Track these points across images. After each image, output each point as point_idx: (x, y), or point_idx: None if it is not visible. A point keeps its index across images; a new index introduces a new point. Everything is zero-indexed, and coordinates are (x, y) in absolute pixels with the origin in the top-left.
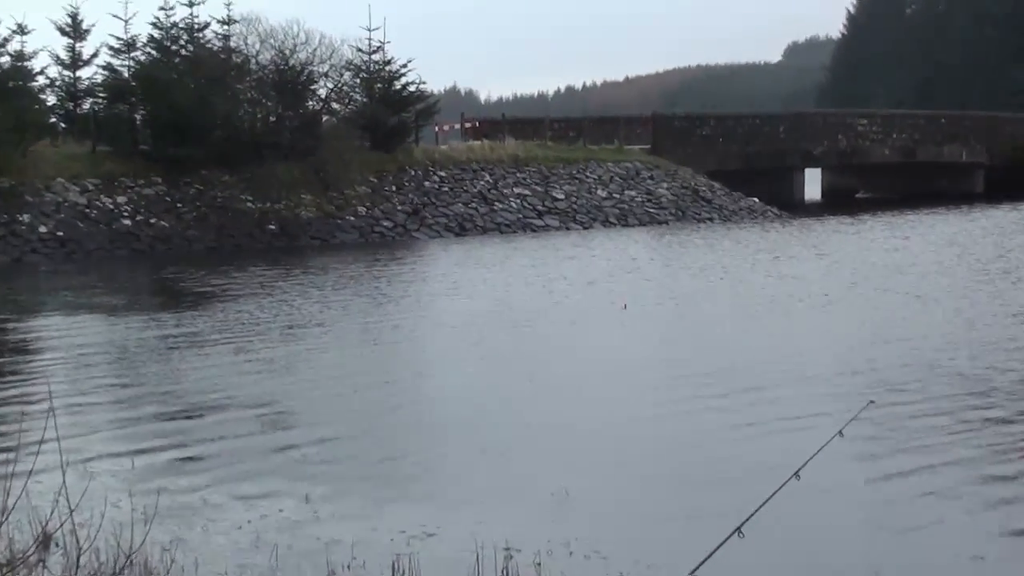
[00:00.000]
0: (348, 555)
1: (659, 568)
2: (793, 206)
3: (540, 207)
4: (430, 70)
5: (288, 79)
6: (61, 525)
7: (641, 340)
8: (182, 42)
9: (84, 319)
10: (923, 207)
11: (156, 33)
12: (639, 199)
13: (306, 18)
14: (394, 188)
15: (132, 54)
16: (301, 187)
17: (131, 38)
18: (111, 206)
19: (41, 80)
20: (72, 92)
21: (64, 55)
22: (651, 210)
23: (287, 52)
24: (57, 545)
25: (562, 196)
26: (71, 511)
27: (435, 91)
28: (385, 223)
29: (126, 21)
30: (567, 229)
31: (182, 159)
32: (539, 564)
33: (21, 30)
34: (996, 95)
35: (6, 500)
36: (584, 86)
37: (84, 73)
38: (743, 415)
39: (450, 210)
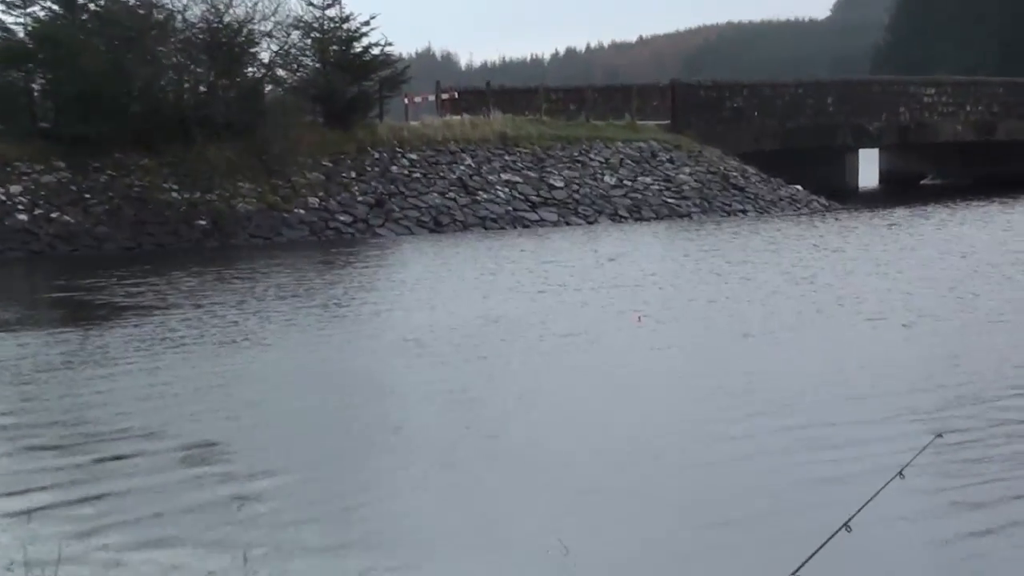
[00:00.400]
0: None
1: None
2: (844, 195)
3: (534, 197)
4: (398, 29)
5: (223, 40)
6: None
7: (659, 361)
8: None
9: None
10: (1008, 196)
11: None
12: (655, 187)
13: None
14: (353, 174)
15: (29, 9)
16: (239, 173)
17: None
18: (2, 197)
19: None
20: None
21: None
22: (670, 200)
23: (221, 7)
24: None
25: (561, 184)
26: None
27: (404, 55)
28: (342, 217)
29: None
30: (567, 224)
31: (91, 139)
32: None
33: None
34: None
35: None
36: (588, 48)
37: None
38: (781, 450)
39: (422, 201)
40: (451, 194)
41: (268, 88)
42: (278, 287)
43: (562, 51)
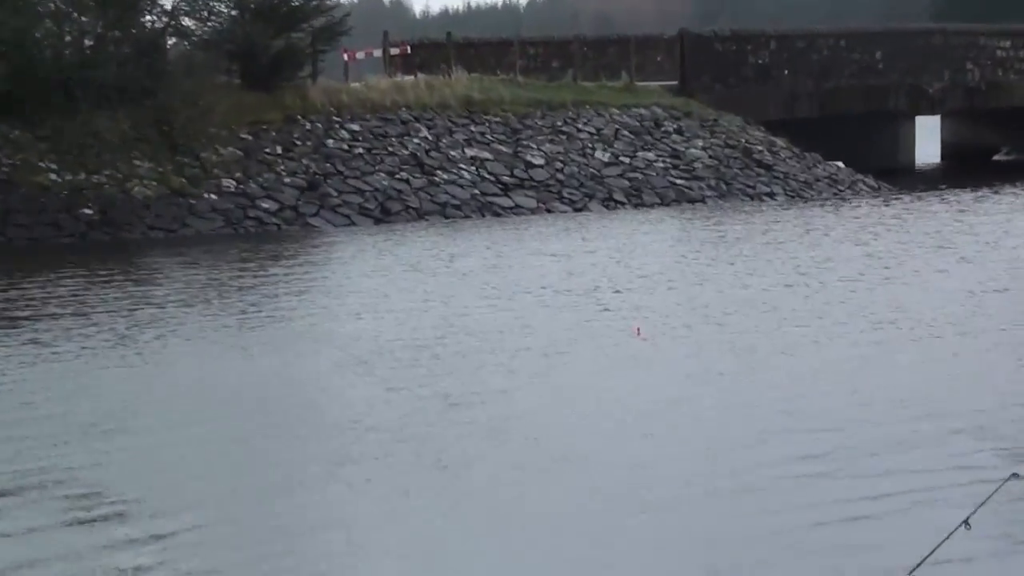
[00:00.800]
0: None
1: None
2: (898, 173)
3: (507, 178)
4: None
5: None
6: None
7: (665, 383)
8: None
9: None
10: None
11: None
12: (660, 165)
13: None
14: (279, 150)
15: None
16: (134, 150)
17: None
18: None
19: None
20: None
21: None
22: (678, 182)
23: None
24: None
25: (541, 161)
26: None
27: (343, 0)
28: (265, 204)
29: None
30: (548, 212)
31: None
32: None
33: None
34: None
35: None
36: None
37: None
38: (820, 494)
39: (367, 183)
40: (403, 174)
41: (171, 42)
42: (183, 292)
43: None
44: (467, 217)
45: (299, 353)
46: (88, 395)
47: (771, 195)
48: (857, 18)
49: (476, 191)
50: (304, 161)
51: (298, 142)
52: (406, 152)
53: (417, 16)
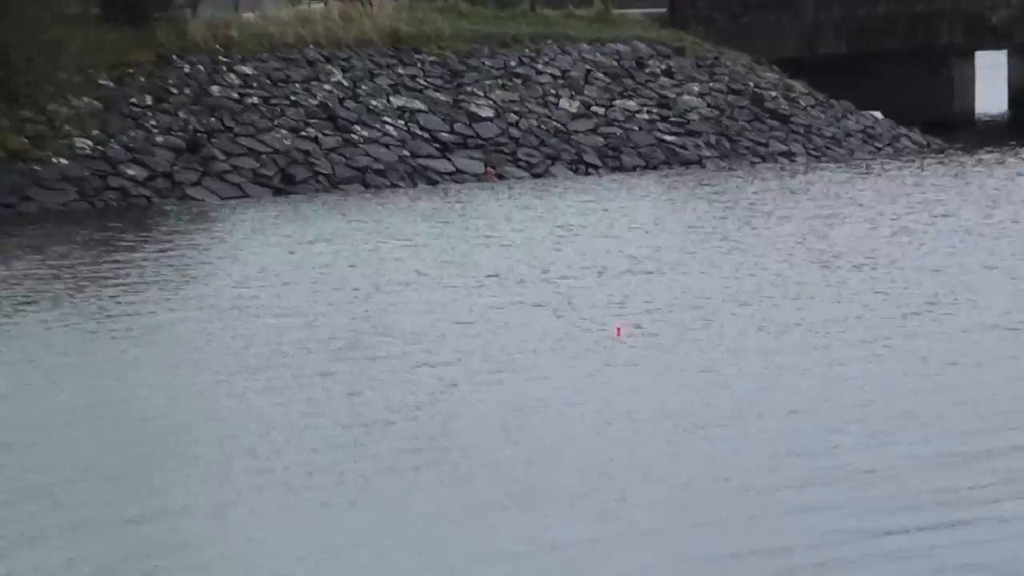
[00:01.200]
0: None
1: None
2: (952, 125)
3: (446, 135)
4: None
5: None
6: None
7: (650, 395)
8: None
9: None
10: None
11: None
12: (644, 117)
13: None
14: (149, 100)
15: None
16: None
17: None
18: None
19: None
20: None
21: None
22: (668, 139)
23: None
24: None
25: (489, 113)
26: None
27: None
28: (131, 171)
29: None
30: (499, 178)
31: None
32: None
33: None
34: None
35: None
36: None
37: None
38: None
39: (263, 143)
40: (310, 131)
41: None
42: (23, 284)
43: None
44: (394, 186)
45: (171, 362)
46: None
47: (788, 155)
48: None
49: (405, 152)
50: (182, 115)
51: (174, 90)
52: (314, 102)
53: None
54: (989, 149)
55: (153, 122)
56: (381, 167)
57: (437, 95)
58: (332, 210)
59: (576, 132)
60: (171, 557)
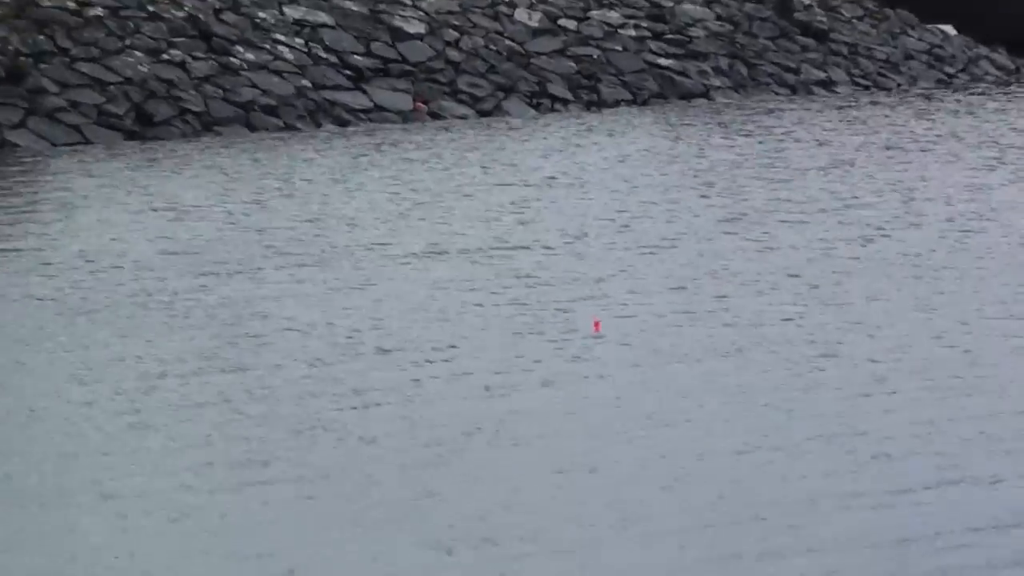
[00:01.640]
0: None
1: None
2: None
3: (360, 59)
4: None
5: None
6: None
7: (635, 409)
8: None
9: None
10: None
11: None
12: (630, 33)
13: None
14: None
15: None
16: None
17: None
18: None
19: None
20: None
21: None
22: (663, 62)
23: None
24: None
25: (420, 29)
26: None
27: None
28: None
29: None
30: (433, 117)
31: None
32: None
33: None
34: None
35: None
36: None
37: None
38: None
39: (111, 70)
40: (174, 53)
41: None
42: None
43: None
44: (289, 128)
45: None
46: None
47: (828, 83)
48: None
49: (305, 82)
50: None
51: None
52: (180, 14)
53: None
54: None
55: None
56: (272, 103)
57: (348, 4)
58: (205, 161)
59: (537, 54)
60: None
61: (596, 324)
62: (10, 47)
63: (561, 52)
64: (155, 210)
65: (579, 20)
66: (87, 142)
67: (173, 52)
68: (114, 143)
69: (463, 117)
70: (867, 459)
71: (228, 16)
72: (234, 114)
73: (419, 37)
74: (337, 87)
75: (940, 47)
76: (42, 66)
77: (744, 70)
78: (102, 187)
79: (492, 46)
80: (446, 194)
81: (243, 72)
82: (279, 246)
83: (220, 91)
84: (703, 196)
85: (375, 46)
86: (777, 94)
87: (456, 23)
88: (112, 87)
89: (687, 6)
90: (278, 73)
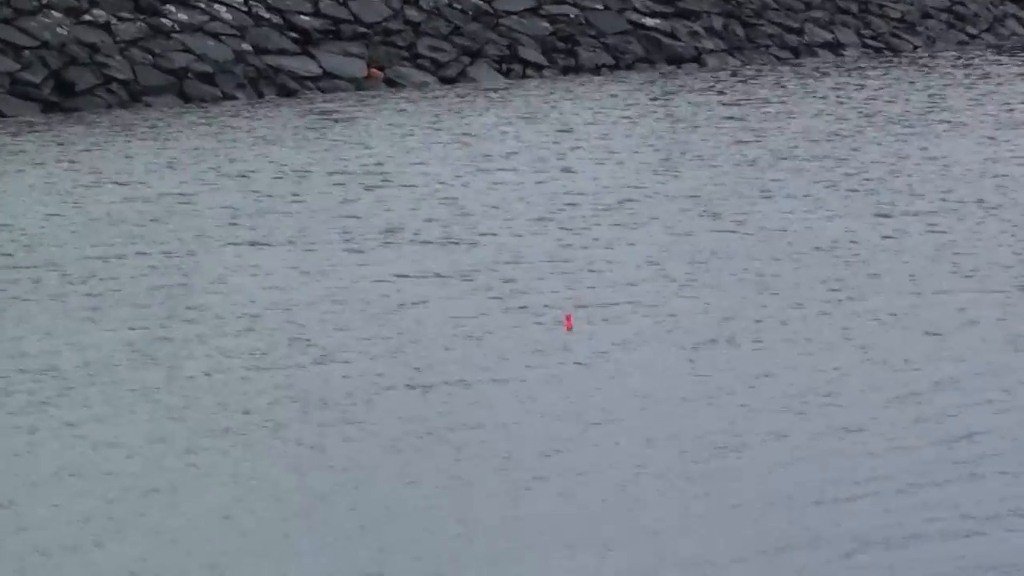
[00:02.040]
0: None
1: None
2: None
3: (306, 19)
4: None
5: None
6: None
7: (616, 423)
8: None
9: None
10: None
11: None
12: None
13: None
14: None
15: None
16: None
17: None
18: None
19: None
20: None
21: None
22: (648, 22)
23: None
24: None
25: None
26: None
27: None
28: None
29: None
30: (390, 85)
31: None
32: None
33: None
34: None
35: None
36: None
37: None
38: None
39: (27, 32)
40: (98, 14)
41: None
42: None
43: None
44: (228, 98)
45: None
46: None
47: (834, 46)
48: None
49: (245, 46)
50: None
51: None
52: None
53: None
54: None
55: None
56: (208, 69)
57: None
58: (132, 134)
59: (507, 14)
60: None
61: (567, 319)
62: None
63: (534, 11)
64: (77, 187)
65: None
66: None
67: (96, 12)
68: (30, 114)
69: (423, 84)
70: (851, 453)
71: None
72: (165, 82)
73: None
74: (282, 51)
75: (961, 4)
76: None
77: (740, 31)
78: (8, 166)
79: (456, 4)
80: (402, 172)
81: (175, 35)
82: (215, 229)
83: (149, 56)
84: (683, 173)
85: (324, 5)
86: (777, 58)
87: None
88: (27, 52)
89: None
90: (215, 36)
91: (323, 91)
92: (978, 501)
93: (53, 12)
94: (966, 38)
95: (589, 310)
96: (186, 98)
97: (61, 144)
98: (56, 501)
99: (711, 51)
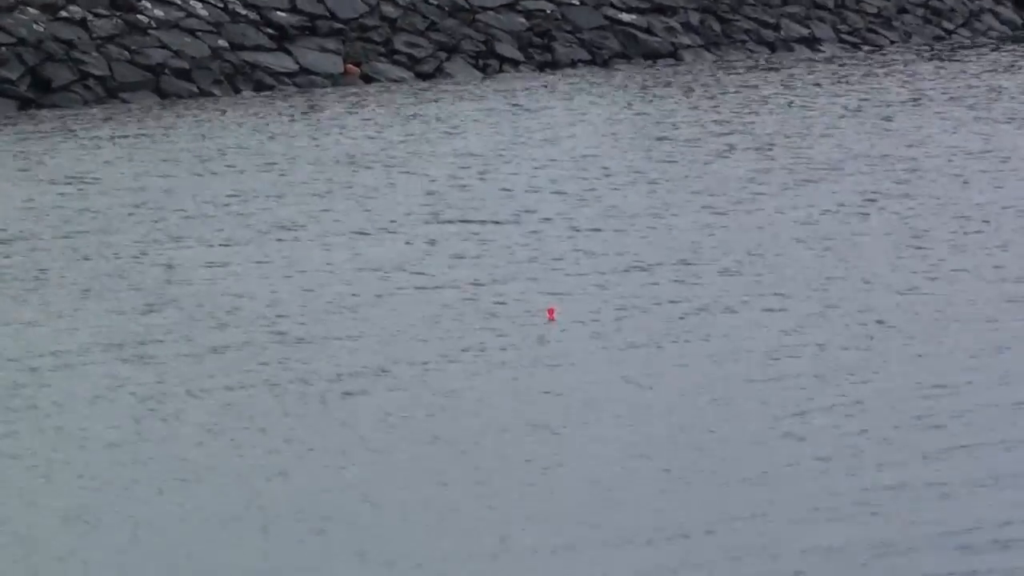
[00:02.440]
0: None
1: None
2: None
3: (283, 15)
4: None
5: None
6: None
7: (603, 416)
8: None
9: None
10: None
11: None
12: None
13: None
14: None
15: None
16: None
17: None
18: None
19: None
20: None
21: None
22: (625, 17)
23: None
24: None
25: None
26: None
27: None
28: None
29: None
30: (366, 80)
31: None
32: None
33: None
34: None
35: None
36: None
37: None
38: None
39: (2, 29)
40: (74, 10)
41: None
42: None
43: None
44: (205, 94)
45: None
46: None
47: (811, 41)
48: None
49: (222, 43)
50: None
51: None
52: None
53: None
54: None
55: None
56: (184, 65)
57: None
58: (109, 131)
59: (484, 10)
60: None
61: (551, 312)
62: None
63: (510, 7)
64: (53, 183)
65: None
66: None
67: (73, 9)
68: (6, 112)
69: (400, 80)
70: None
71: None
72: (142, 78)
73: None
74: (258, 47)
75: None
76: None
77: (717, 26)
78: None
79: (432, 0)
80: (379, 167)
81: (152, 31)
82: (192, 222)
83: (126, 52)
84: (661, 170)
85: (300, 1)
86: (754, 52)
87: None
88: (4, 49)
89: None
90: (191, 32)
91: (300, 87)
92: None
93: (30, 9)
94: (943, 33)
95: (567, 302)
96: (163, 94)
97: (37, 140)
98: (34, 497)
99: (688, 47)
